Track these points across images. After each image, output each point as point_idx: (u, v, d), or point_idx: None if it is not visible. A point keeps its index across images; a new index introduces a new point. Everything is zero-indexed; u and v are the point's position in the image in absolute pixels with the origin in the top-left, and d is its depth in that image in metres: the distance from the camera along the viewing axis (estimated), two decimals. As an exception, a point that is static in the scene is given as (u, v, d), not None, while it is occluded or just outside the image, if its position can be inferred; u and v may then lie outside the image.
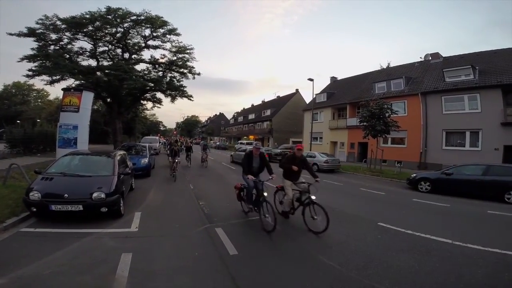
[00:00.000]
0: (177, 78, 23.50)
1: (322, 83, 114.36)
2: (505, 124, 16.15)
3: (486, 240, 4.99)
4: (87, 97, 12.58)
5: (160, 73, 23.16)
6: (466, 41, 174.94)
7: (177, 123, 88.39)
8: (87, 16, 18.37)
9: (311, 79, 24.39)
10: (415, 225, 5.86)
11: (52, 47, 19.20)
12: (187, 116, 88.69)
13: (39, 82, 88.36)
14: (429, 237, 5.10)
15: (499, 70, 17.58)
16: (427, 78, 21.46)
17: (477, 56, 20.62)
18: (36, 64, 18.51)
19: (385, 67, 29.90)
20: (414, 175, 12.03)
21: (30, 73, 18.44)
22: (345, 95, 28.94)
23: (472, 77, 18.34)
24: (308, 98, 41.20)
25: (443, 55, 23.85)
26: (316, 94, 31.98)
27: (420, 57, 25.88)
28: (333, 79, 36.23)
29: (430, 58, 24.35)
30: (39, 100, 59.82)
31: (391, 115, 16.80)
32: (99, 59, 21.01)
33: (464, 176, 10.25)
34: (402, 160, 20.08)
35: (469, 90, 18.00)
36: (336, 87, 32.87)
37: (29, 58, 18.26)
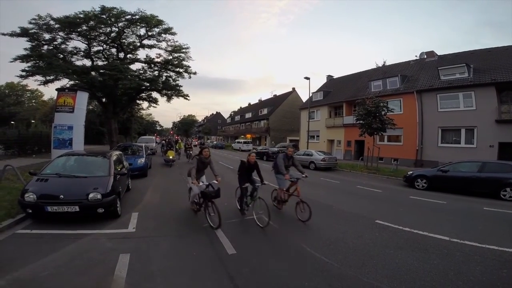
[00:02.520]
0: (173, 77, 23.41)
1: (319, 81, 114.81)
2: (500, 121, 16.29)
3: (483, 237, 5.04)
4: (82, 97, 12.49)
5: (156, 73, 23.03)
6: (458, 40, 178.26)
7: (174, 123, 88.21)
8: (81, 15, 18.18)
9: (307, 78, 24.43)
10: (412, 222, 5.89)
11: (45, 47, 18.98)
12: (184, 116, 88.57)
13: (33, 83, 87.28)
14: (426, 234, 5.13)
15: (493, 68, 17.72)
16: (423, 76, 21.57)
17: (472, 54, 20.76)
18: (29, 64, 18.28)
19: (380, 65, 29.87)
20: (411, 172, 12.09)
21: (24, 73, 18.20)
22: (341, 94, 29.00)
23: (466, 75, 18.46)
24: (304, 97, 41.27)
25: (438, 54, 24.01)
26: (313, 93, 32.02)
27: (416, 56, 26.10)
28: (329, 77, 36.28)
29: (425, 57, 24.46)
30: (33, 101, 59.17)
31: (387, 113, 16.88)
32: (94, 59, 20.83)
33: (460, 173, 10.32)
34: (399, 157, 20.21)
35: (464, 88, 18.11)
36: (333, 86, 32.94)
37: (22, 58, 18.02)
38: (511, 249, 4.40)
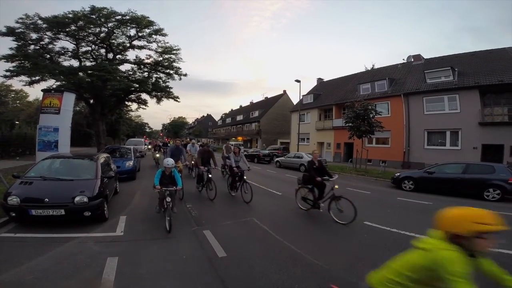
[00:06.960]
0: (163, 79, 23.16)
1: (309, 84, 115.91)
2: (483, 124, 16.84)
3: (467, 236, 5.17)
4: (69, 98, 12.21)
5: (145, 74, 22.75)
6: (440, 45, 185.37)
7: (164, 125, 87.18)
8: (70, 15, 17.83)
9: (298, 81, 24.66)
10: (400, 223, 6.01)
11: (32, 46, 18.50)
12: (174, 118, 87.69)
13: (17, 83, 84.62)
14: (413, 235, 5.22)
15: (476, 72, 18.32)
16: (409, 80, 22.10)
17: (457, 57, 21.42)
18: (14, 64, 17.80)
19: (369, 68, 30.53)
20: (398, 174, 12.33)
21: (8, 73, 17.70)
22: (331, 96, 29.39)
23: (451, 78, 19.02)
24: (295, 99, 41.56)
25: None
26: (303, 96, 32.32)
27: (403, 59, 26.67)
28: (320, 80, 36.71)
29: (412, 60, 25.09)
30: (17, 102, 57.42)
31: (375, 116, 17.20)
32: (82, 60, 20.42)
33: (445, 174, 10.60)
34: (386, 159, 20.59)
35: (449, 91, 18.65)
36: (323, 89, 33.34)
37: (7, 58, 17.51)
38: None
